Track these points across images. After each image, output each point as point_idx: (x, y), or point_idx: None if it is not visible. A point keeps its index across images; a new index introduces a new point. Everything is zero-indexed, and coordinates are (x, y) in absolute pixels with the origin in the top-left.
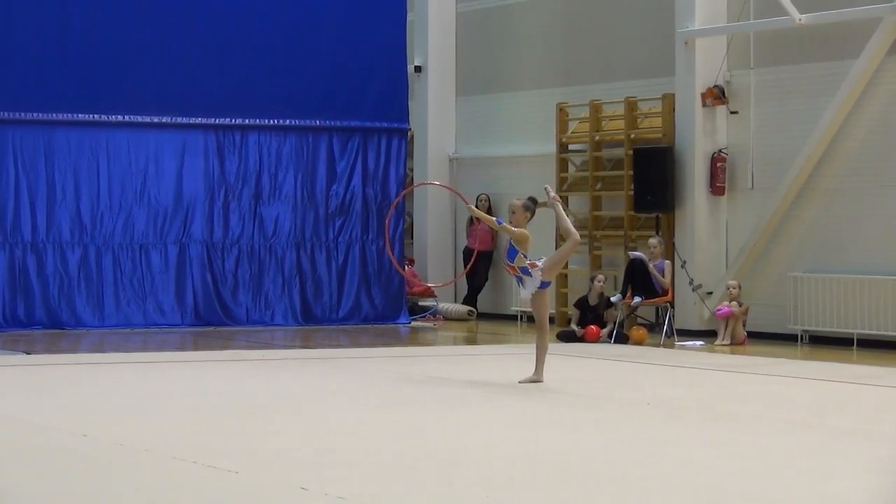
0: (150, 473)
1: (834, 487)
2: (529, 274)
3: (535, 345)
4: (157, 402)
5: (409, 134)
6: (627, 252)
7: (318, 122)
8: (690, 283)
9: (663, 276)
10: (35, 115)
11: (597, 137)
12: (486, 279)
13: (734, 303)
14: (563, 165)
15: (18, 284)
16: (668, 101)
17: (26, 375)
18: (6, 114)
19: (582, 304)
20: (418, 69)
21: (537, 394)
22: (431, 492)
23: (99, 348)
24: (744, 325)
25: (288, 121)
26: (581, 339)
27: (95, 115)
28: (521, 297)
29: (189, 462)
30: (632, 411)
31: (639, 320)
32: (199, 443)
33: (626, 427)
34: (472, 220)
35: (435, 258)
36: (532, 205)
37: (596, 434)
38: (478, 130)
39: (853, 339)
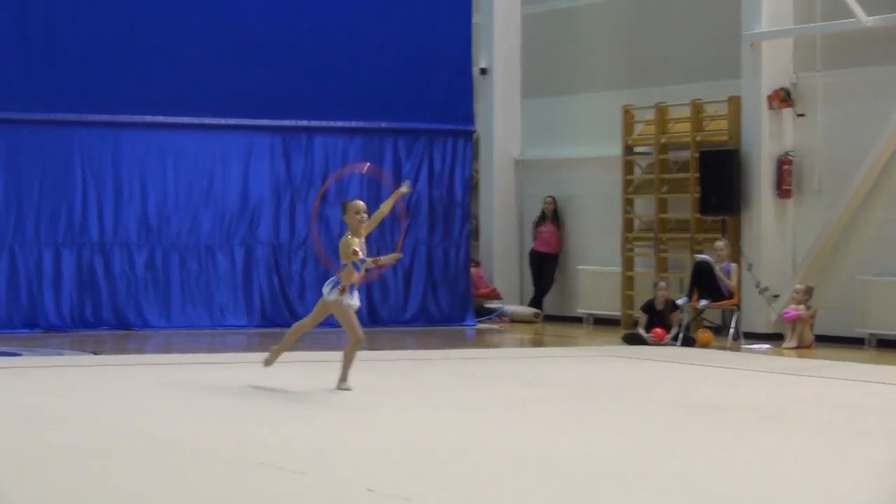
0: (217, 474)
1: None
2: (335, 287)
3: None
4: (224, 403)
5: (474, 136)
6: (694, 255)
7: (383, 123)
8: (757, 286)
9: (730, 279)
10: (101, 116)
11: (663, 140)
12: (552, 281)
13: (802, 306)
14: (628, 168)
15: (86, 285)
16: (735, 103)
17: (94, 376)
18: (73, 115)
19: (649, 308)
20: (484, 71)
21: (600, 396)
22: (497, 494)
23: (166, 349)
24: (811, 329)
25: (353, 122)
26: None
27: (162, 117)
28: (354, 304)
29: (255, 463)
30: (697, 414)
31: (705, 323)
32: (265, 443)
33: (690, 430)
34: (539, 223)
35: (500, 260)
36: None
37: (658, 437)
38: (543, 132)
39: None
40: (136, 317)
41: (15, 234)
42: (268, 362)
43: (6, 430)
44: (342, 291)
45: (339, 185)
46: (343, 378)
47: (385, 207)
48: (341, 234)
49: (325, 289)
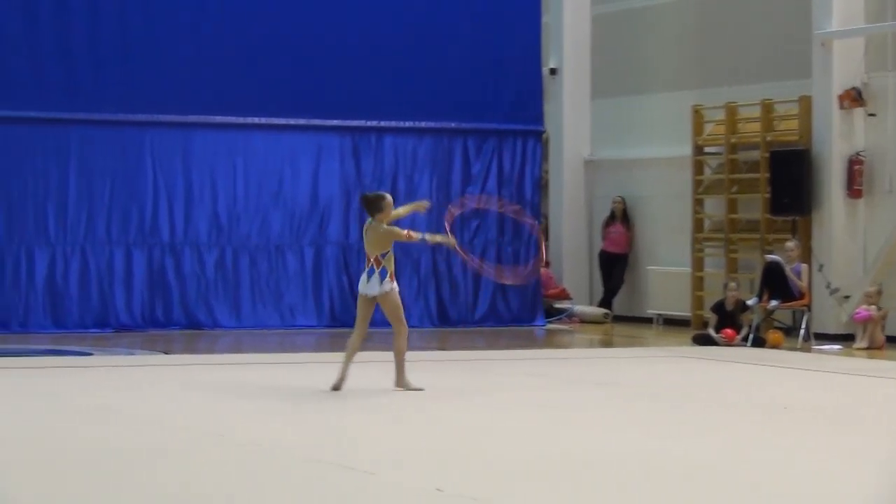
0: (286, 474)
1: None
2: (384, 278)
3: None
4: (293, 403)
5: (544, 136)
6: (764, 255)
7: (453, 124)
8: (828, 287)
9: (800, 280)
10: (172, 117)
11: (733, 140)
12: (622, 282)
13: (873, 306)
14: (698, 168)
15: (157, 285)
16: (805, 103)
17: (164, 375)
18: (144, 116)
19: (719, 308)
20: (553, 71)
21: (670, 397)
22: (565, 495)
23: (236, 349)
24: (883, 330)
25: (423, 123)
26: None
27: (232, 117)
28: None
29: (325, 462)
30: (766, 415)
31: (775, 324)
32: (335, 443)
33: (758, 431)
34: (608, 223)
35: (570, 260)
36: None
37: (727, 438)
38: (613, 133)
39: None
40: (207, 316)
41: (86, 234)
42: (337, 387)
43: (78, 431)
44: (392, 278)
45: (408, 184)
46: (403, 375)
47: (402, 211)
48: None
49: (371, 284)
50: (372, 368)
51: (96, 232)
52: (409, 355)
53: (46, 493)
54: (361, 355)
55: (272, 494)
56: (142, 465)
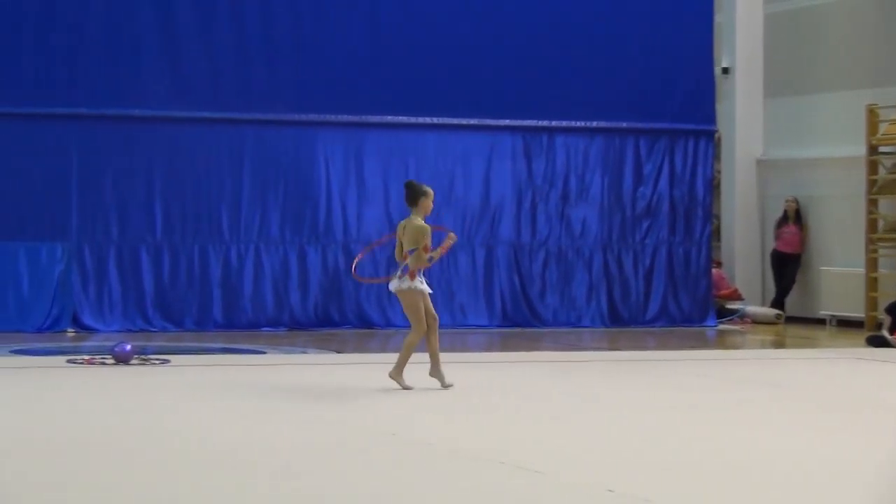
0: (456, 472)
1: None
2: (405, 274)
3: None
4: (464, 402)
5: (716, 136)
6: None
7: (624, 123)
8: None
9: None
10: (344, 117)
11: None
12: (794, 282)
13: None
14: (873, 168)
15: (330, 284)
16: None
17: (337, 375)
18: (316, 116)
19: (893, 309)
20: (726, 70)
21: (842, 399)
22: (737, 495)
23: None
24: None
25: (595, 122)
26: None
27: (404, 117)
28: (426, 289)
29: (496, 462)
30: None
31: None
32: (505, 443)
33: None
34: (781, 223)
35: (742, 261)
36: None
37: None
38: (786, 132)
39: None
40: (380, 316)
41: (260, 233)
42: (406, 388)
43: (253, 429)
44: (412, 277)
45: (580, 183)
46: (400, 368)
47: (435, 254)
48: (403, 217)
49: (395, 280)
50: (540, 368)
51: (270, 231)
52: (582, 355)
53: (226, 490)
54: (530, 355)
55: (443, 494)
56: (314, 464)
